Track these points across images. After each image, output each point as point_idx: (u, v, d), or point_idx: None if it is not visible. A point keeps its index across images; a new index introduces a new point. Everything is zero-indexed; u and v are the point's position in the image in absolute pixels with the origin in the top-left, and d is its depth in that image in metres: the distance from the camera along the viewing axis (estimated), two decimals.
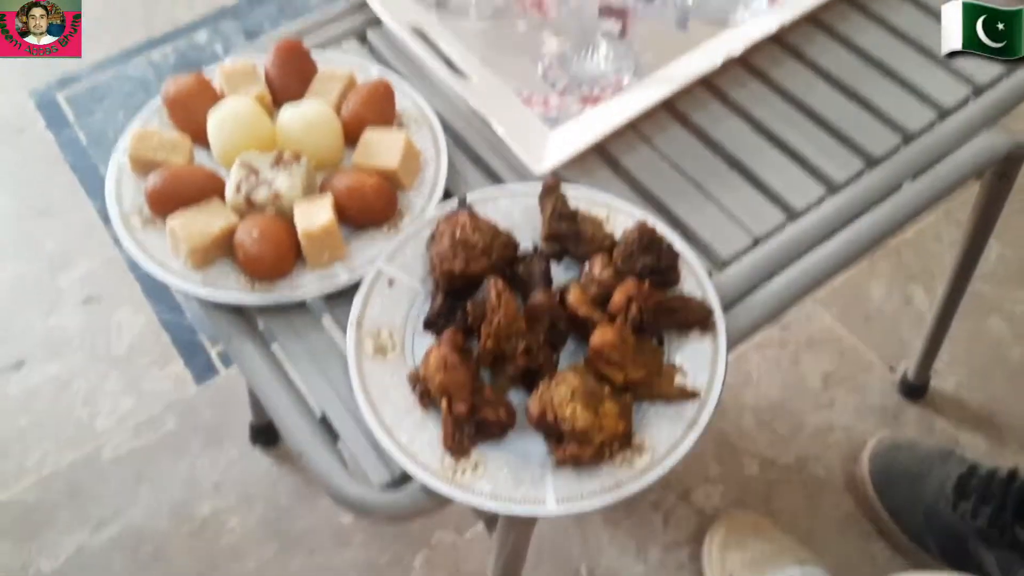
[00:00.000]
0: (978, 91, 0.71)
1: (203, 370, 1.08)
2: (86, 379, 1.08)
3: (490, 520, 0.57)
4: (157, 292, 1.14)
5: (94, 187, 1.24)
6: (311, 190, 0.61)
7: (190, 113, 0.64)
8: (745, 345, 1.13)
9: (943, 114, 0.70)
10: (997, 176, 0.76)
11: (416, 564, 0.96)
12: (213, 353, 1.10)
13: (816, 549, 0.94)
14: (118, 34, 1.42)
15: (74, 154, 1.28)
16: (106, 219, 1.19)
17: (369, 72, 0.69)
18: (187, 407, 1.06)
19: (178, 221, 0.58)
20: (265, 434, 1.02)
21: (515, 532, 0.57)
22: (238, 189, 0.60)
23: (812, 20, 0.75)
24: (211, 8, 1.45)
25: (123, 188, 0.63)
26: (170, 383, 1.07)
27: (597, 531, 0.98)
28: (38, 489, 1.00)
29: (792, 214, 0.65)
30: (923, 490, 0.95)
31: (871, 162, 0.68)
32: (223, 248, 0.59)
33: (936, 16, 0.75)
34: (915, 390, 1.07)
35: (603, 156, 0.68)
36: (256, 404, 0.99)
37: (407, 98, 0.68)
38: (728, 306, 0.60)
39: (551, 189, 0.60)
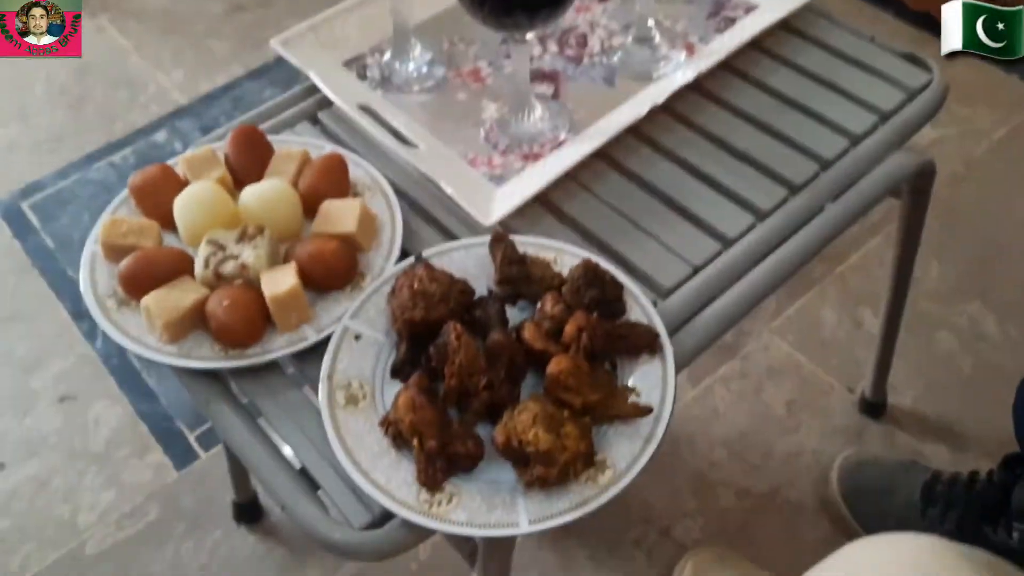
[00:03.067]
0: (884, 117, 0.77)
1: (183, 456, 1.09)
2: (65, 477, 1.09)
3: (471, 553, 0.60)
4: (132, 384, 1.16)
5: (64, 290, 1.27)
6: (275, 260, 0.65)
7: (156, 200, 0.68)
8: (709, 379, 1.18)
9: (855, 141, 0.76)
10: (913, 192, 0.83)
11: None
12: (191, 438, 1.11)
13: (800, 572, 0.96)
14: (79, 141, 1.47)
15: (42, 259, 1.31)
16: (77, 318, 1.22)
17: (323, 149, 0.74)
18: (168, 495, 1.07)
19: (152, 299, 0.62)
20: (249, 511, 1.03)
21: (495, 559, 0.59)
22: (206, 264, 0.63)
23: (727, 67, 0.81)
24: (166, 109, 1.50)
25: (97, 275, 0.66)
26: (150, 473, 1.09)
27: (581, 570, 1.00)
28: None
29: (726, 242, 0.70)
30: (893, 502, 0.98)
31: (793, 189, 0.73)
32: (196, 320, 0.63)
33: (838, 54, 0.82)
34: (875, 408, 1.11)
35: (546, 206, 0.73)
36: (239, 481, 1.00)
37: (360, 168, 0.73)
38: (673, 330, 0.64)
39: (500, 238, 0.64)
